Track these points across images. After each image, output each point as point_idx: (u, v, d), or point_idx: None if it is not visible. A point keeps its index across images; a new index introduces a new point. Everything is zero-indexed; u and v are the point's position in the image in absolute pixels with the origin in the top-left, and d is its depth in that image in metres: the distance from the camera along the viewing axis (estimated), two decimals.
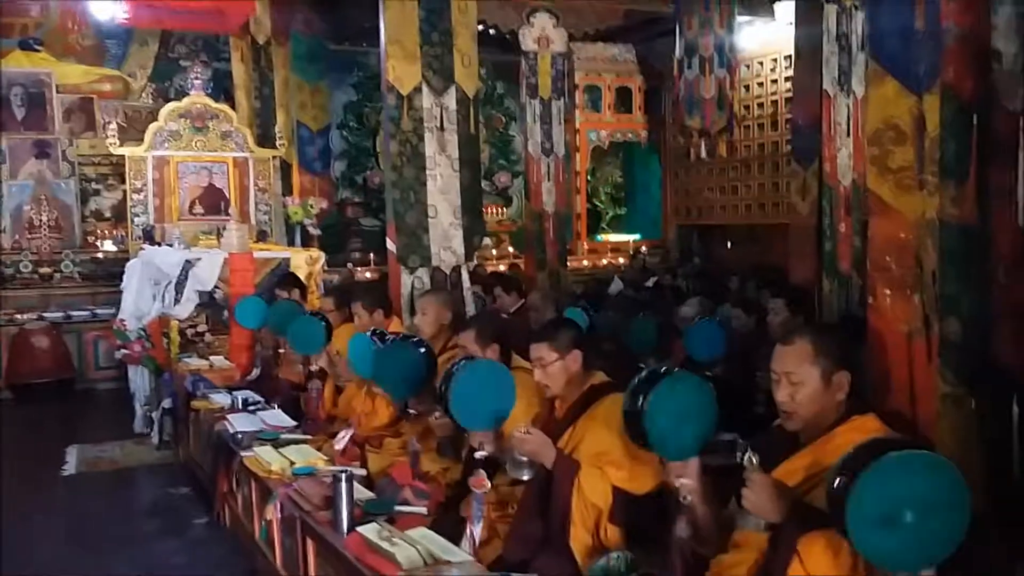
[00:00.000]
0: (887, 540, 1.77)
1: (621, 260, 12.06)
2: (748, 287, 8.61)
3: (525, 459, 2.89)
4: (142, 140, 8.65)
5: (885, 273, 2.42)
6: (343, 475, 3.14)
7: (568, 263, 11.24)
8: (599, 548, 2.77)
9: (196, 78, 8.66)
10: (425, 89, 5.17)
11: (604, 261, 11.84)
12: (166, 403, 6.36)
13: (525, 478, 2.92)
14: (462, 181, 5.30)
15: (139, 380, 6.88)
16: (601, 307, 7.02)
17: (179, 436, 6.05)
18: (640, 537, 2.85)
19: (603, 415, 2.94)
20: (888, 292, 2.42)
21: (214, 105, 8.71)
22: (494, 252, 11.59)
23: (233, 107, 9.28)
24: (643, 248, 12.30)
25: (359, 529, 3.01)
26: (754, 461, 2.18)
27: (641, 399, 2.49)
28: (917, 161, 2.32)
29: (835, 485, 1.88)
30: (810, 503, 2.22)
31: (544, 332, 3.16)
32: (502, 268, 10.94)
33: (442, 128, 5.20)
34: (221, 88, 10.50)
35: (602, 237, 12.67)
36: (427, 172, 5.16)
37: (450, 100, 5.23)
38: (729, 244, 11.93)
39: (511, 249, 11.70)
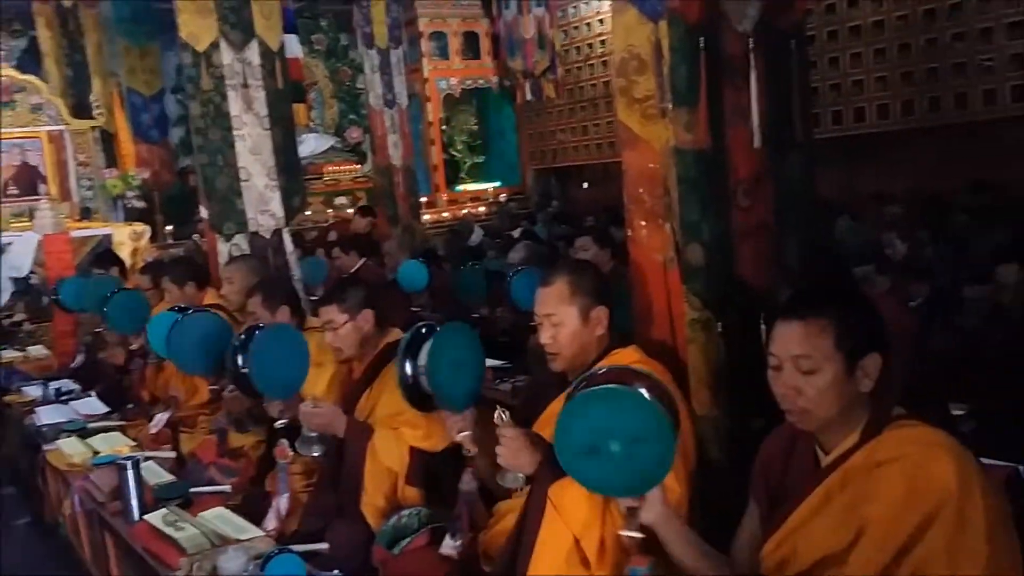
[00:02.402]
0: (592, 468, 1.82)
1: (482, 209, 11.98)
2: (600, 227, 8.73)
3: (314, 435, 2.82)
4: None
5: (640, 204, 2.41)
6: (128, 462, 2.99)
7: (428, 215, 11.10)
8: (395, 510, 2.72)
9: None
10: (224, 44, 4.88)
11: (464, 211, 11.74)
12: None
13: (315, 455, 2.84)
14: (275, 140, 5.05)
15: None
16: (444, 259, 6.99)
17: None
18: (438, 495, 2.82)
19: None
20: (644, 223, 2.40)
21: (20, 77, 8.07)
22: (350, 211, 11.32)
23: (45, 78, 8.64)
24: (503, 196, 12.27)
25: (146, 517, 2.88)
26: (504, 417, 2.16)
27: (410, 365, 2.47)
28: (658, 89, 2.29)
29: None
30: None
31: (332, 293, 3.07)
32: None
33: (246, 85, 4.93)
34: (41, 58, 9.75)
35: (461, 187, 12.54)
36: (234, 133, 4.89)
37: (253, 55, 4.96)
38: (586, 185, 12.01)
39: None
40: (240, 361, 3.02)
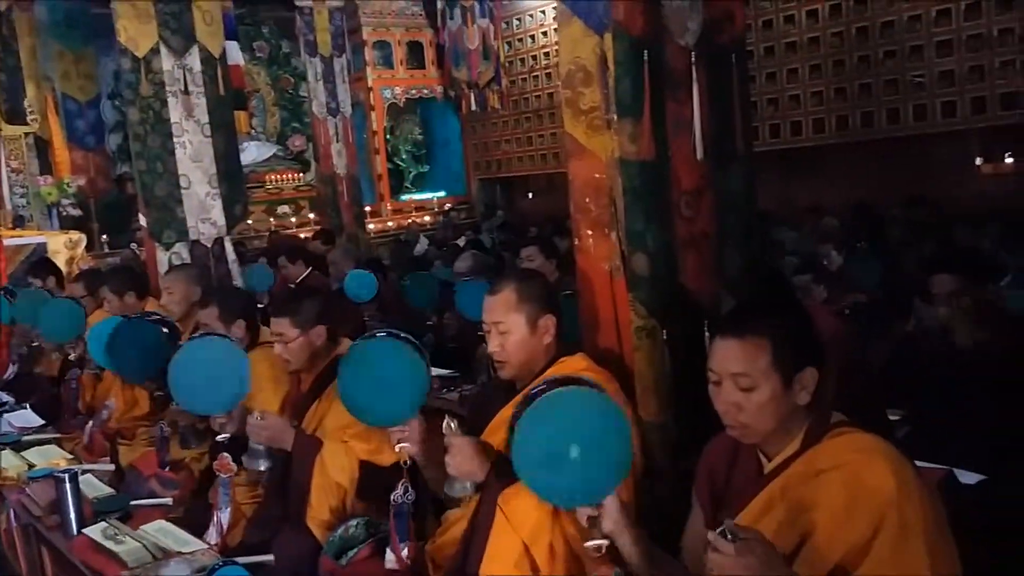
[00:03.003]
0: (556, 478, 1.80)
1: (427, 219, 11.97)
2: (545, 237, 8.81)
3: (261, 448, 2.77)
4: None
5: (586, 214, 2.44)
6: (66, 475, 2.91)
7: (373, 225, 11.05)
8: (342, 521, 2.70)
9: None
10: (164, 50, 4.79)
11: (409, 221, 11.71)
12: None
13: (262, 469, 2.80)
14: (216, 147, 4.97)
15: None
16: (390, 269, 6.97)
17: None
18: (388, 508, 2.80)
19: None
20: (590, 232, 2.44)
21: None
22: (293, 220, 11.24)
23: None
24: (448, 206, 12.28)
25: (85, 531, 2.81)
26: (453, 426, 2.18)
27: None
28: (604, 101, 2.33)
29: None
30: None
31: (285, 306, 2.99)
32: (303, 235, 10.60)
33: (187, 91, 4.86)
34: None
35: (406, 196, 12.52)
36: (174, 140, 4.80)
37: (193, 61, 4.88)
38: (530, 195, 12.09)
39: (312, 215, 11.35)
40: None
